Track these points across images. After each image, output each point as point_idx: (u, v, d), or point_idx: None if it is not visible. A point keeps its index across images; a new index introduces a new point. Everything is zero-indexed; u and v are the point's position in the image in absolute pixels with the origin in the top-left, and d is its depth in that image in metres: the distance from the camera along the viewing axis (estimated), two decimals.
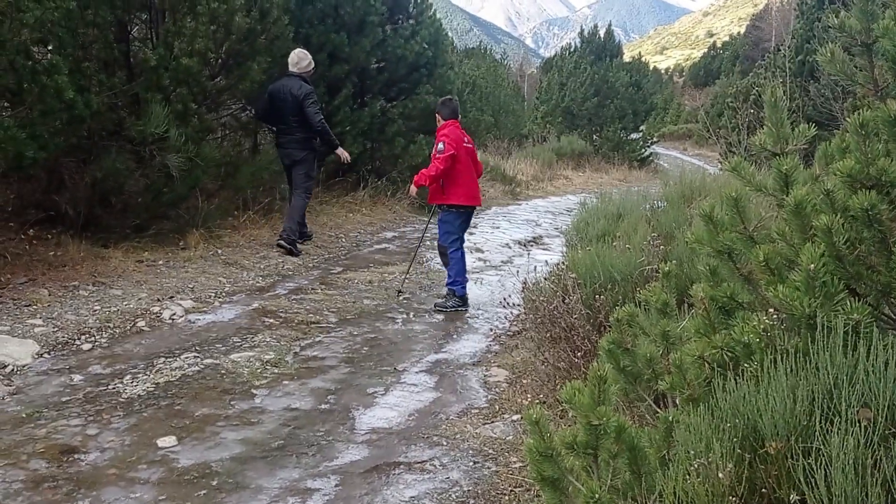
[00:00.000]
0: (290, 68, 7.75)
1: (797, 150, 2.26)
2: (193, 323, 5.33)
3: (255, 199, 8.16)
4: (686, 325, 2.59)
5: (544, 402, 4.15)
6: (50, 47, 6.19)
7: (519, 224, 11.23)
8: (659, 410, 2.81)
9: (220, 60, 7.68)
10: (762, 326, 1.94)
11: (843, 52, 2.21)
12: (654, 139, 26.68)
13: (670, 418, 2.11)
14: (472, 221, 6.73)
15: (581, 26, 29.00)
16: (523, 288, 4.74)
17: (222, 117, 8.60)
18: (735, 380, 2.04)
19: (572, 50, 27.22)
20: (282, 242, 7.48)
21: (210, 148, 7.47)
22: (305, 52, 7.90)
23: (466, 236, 6.91)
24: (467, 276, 6.47)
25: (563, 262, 4.46)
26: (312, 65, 7.86)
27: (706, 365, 2.29)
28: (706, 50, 71.44)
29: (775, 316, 1.94)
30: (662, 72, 73.28)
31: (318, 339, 5.17)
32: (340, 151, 8.02)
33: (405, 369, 4.70)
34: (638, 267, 3.89)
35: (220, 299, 5.94)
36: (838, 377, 1.84)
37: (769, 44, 45.34)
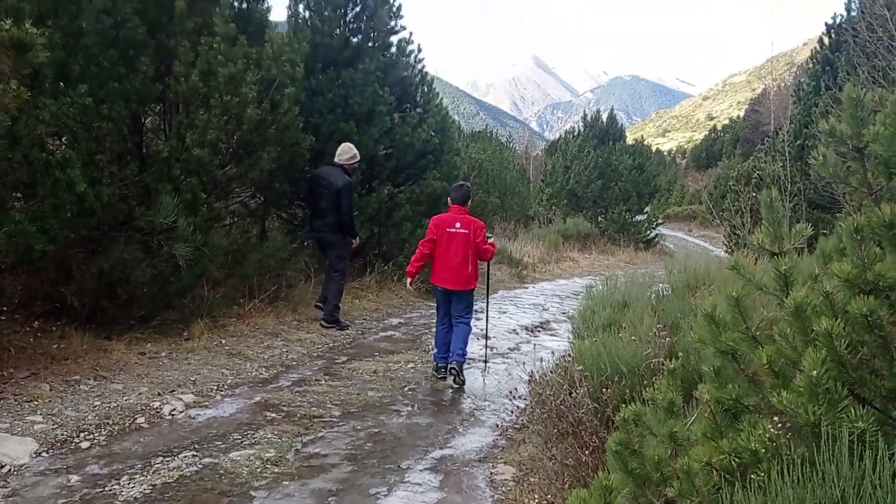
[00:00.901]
0: (337, 158, 8.36)
1: (795, 249, 2.26)
2: (194, 419, 5.25)
3: (261, 286, 8.16)
4: (693, 426, 2.53)
5: (552, 503, 4.03)
6: (64, 140, 6.35)
7: (526, 308, 11.19)
8: None
9: (230, 150, 7.84)
10: (768, 435, 1.89)
11: (835, 154, 2.23)
12: (660, 221, 26.85)
13: None
14: (479, 305, 7.05)
15: (584, 110, 29.68)
16: (530, 380, 4.66)
17: (231, 205, 8.71)
18: (743, 489, 1.97)
19: (576, 133, 27.75)
20: (323, 324, 8.27)
21: (218, 236, 7.54)
22: (351, 146, 8.49)
23: (473, 322, 7.15)
24: (466, 353, 6.81)
25: (569, 353, 4.40)
26: (355, 158, 8.46)
27: (714, 471, 2.23)
28: (707, 132, 72.85)
29: (780, 424, 1.89)
30: (665, 153, 74.53)
31: (320, 434, 5.07)
32: (356, 242, 8.53)
33: (409, 467, 4.58)
34: (644, 359, 3.84)
35: (221, 392, 5.87)
36: (846, 490, 1.78)
37: (768, 127, 46.13)
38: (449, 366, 6.63)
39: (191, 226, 6.87)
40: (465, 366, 6.78)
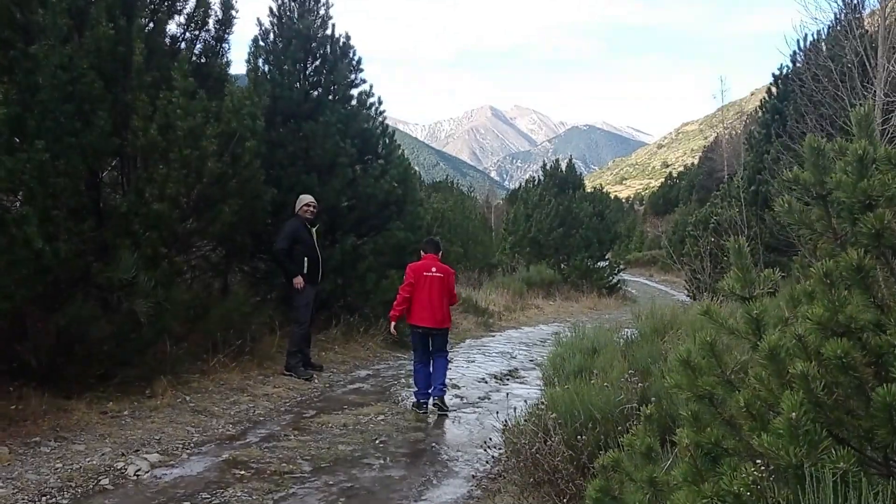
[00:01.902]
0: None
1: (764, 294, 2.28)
2: (159, 479, 5.05)
3: (225, 341, 7.99)
4: (672, 469, 2.51)
5: None
6: (20, 196, 6.20)
7: (494, 357, 11.14)
8: None
9: (190, 204, 7.75)
10: (751, 478, 1.87)
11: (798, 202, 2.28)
12: (622, 266, 27.20)
13: None
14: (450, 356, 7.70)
15: (543, 160, 30.17)
16: (504, 429, 4.61)
17: (192, 259, 8.57)
18: None
19: (536, 182, 28.15)
20: (284, 372, 8.30)
21: (179, 291, 7.40)
22: (303, 196, 8.71)
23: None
24: (446, 386, 7.59)
25: (541, 401, 4.37)
26: (311, 206, 8.61)
27: None
28: (663, 180, 74.51)
29: (763, 467, 1.89)
30: (623, 201, 75.91)
31: (291, 490, 4.92)
32: (297, 281, 8.39)
33: None
34: (617, 405, 3.83)
35: (188, 450, 5.68)
36: None
37: (722, 173, 47.43)
38: (433, 401, 7.30)
39: (151, 281, 6.74)
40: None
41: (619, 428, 3.77)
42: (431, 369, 7.42)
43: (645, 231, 53.41)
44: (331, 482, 5.13)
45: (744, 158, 18.12)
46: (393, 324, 7.55)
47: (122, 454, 5.42)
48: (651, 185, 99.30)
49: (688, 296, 18.89)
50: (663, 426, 3.82)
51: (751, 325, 2.16)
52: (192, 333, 7.82)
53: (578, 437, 3.93)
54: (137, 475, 5.08)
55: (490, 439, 5.44)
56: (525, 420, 4.36)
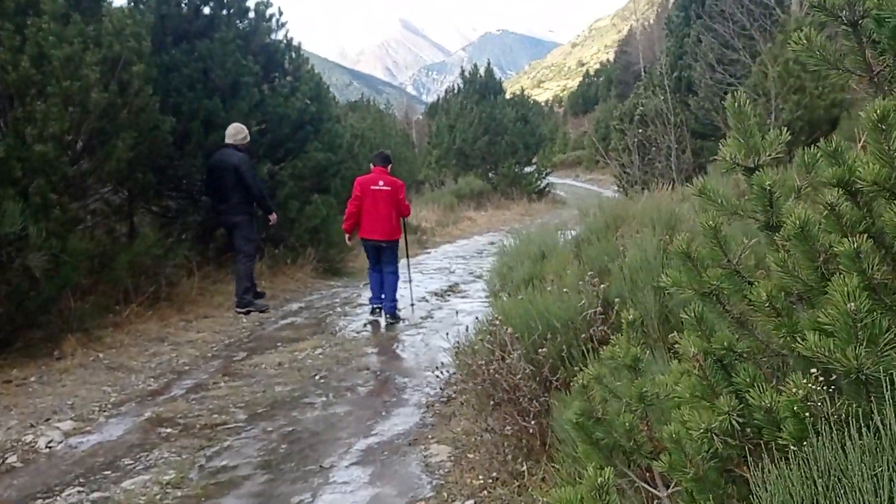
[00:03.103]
0: (227, 140, 8.17)
1: (771, 162, 1.83)
2: (75, 448, 4.50)
3: (137, 289, 7.30)
4: (667, 382, 2.11)
5: (497, 479, 3.60)
6: None
7: (432, 274, 10.73)
8: (649, 488, 2.32)
9: (79, 142, 6.92)
10: (803, 392, 1.45)
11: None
12: (549, 170, 26.97)
13: None
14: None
15: (461, 68, 29.27)
16: (456, 352, 4.19)
17: (90, 204, 7.74)
18: (766, 455, 1.55)
19: (456, 92, 27.34)
20: (238, 311, 7.99)
21: (78, 240, 6.64)
22: (241, 125, 8.34)
23: None
24: (397, 301, 7.81)
25: (494, 315, 3.95)
26: (248, 137, 8.38)
27: (713, 437, 1.81)
28: (581, 79, 74.30)
29: (820, 378, 1.46)
30: (543, 104, 75.55)
31: (226, 443, 4.45)
32: (273, 217, 8.46)
33: (333, 465, 4.05)
34: (580, 311, 3.43)
35: (105, 413, 5.10)
36: None
37: (639, 66, 47.40)
38: (385, 318, 7.59)
39: (43, 232, 5.99)
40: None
41: (583, 336, 3.38)
42: (383, 279, 7.69)
43: (567, 132, 53.39)
44: (269, 428, 4.68)
45: (665, 44, 17.77)
46: (347, 236, 7.78)
47: (31, 425, 4.83)
48: (569, 85, 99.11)
49: (617, 191, 18.82)
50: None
51: (762, 199, 1.71)
52: (98, 284, 7.09)
53: (538, 350, 3.53)
54: (50, 447, 4.52)
55: (441, 364, 5.05)
56: (478, 338, 3.94)
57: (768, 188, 1.69)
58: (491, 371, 3.58)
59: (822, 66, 1.67)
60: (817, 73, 10.30)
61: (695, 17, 15.81)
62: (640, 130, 15.14)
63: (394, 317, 7.60)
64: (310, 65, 11.14)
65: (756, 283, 1.66)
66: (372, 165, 7.77)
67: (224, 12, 9.67)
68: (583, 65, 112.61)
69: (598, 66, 74.86)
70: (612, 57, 70.53)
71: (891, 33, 1.61)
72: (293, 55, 10.61)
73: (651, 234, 3.78)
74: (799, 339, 1.48)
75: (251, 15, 10.01)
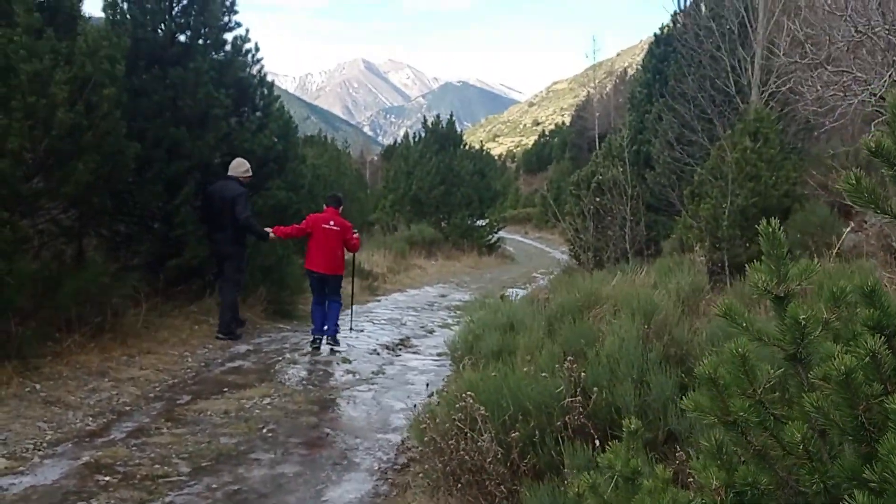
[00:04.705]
0: (230, 172, 8.59)
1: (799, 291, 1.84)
2: (6, 490, 4.21)
3: (81, 318, 6.97)
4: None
5: None
6: None
7: (383, 324, 10.59)
8: None
9: (37, 160, 6.66)
10: None
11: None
12: (501, 225, 27.22)
13: None
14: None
15: (422, 115, 29.56)
16: (417, 423, 4.09)
17: (38, 223, 7.42)
18: None
19: (417, 139, 27.51)
20: (219, 336, 8.37)
21: (25, 261, 6.35)
22: (244, 160, 8.73)
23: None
24: (339, 327, 8.70)
25: (462, 389, 3.87)
26: (249, 171, 8.74)
27: None
28: (536, 137, 75.75)
29: None
30: (497, 157, 76.65)
31: (167, 498, 4.22)
32: (272, 235, 8.64)
33: None
34: (557, 397, 3.38)
35: (40, 452, 4.81)
36: None
37: (593, 132, 48.61)
38: (326, 340, 8.34)
39: None
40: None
41: (558, 423, 3.33)
42: (326, 310, 8.39)
43: (519, 188, 54.15)
44: (214, 485, 4.47)
45: (627, 118, 18.25)
46: (273, 233, 8.47)
47: None
48: (523, 142, 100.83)
49: (570, 255, 19.04)
50: (606, 419, 3.43)
51: (793, 332, 1.71)
52: (41, 309, 6.75)
53: (510, 432, 3.47)
54: None
55: (394, 428, 4.93)
56: (444, 411, 3.85)
57: (802, 322, 1.69)
58: (459, 450, 3.49)
59: (868, 208, 1.68)
60: (772, 163, 10.71)
61: (657, 95, 16.32)
62: (597, 199, 15.42)
63: (335, 341, 8.40)
64: (278, 103, 11.04)
65: (789, 423, 1.64)
66: (325, 205, 8.64)
67: (200, 42, 9.55)
68: (538, 124, 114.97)
69: (553, 126, 76.49)
70: (567, 119, 72.24)
71: None
72: (265, 91, 10.49)
73: (630, 321, 3.78)
74: (835, 489, 1.46)
75: (227, 48, 9.90)
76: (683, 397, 3.13)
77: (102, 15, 8.66)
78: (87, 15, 7.93)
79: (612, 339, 3.57)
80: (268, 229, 8.59)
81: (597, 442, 3.07)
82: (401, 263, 18.00)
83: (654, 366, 3.34)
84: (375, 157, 65.60)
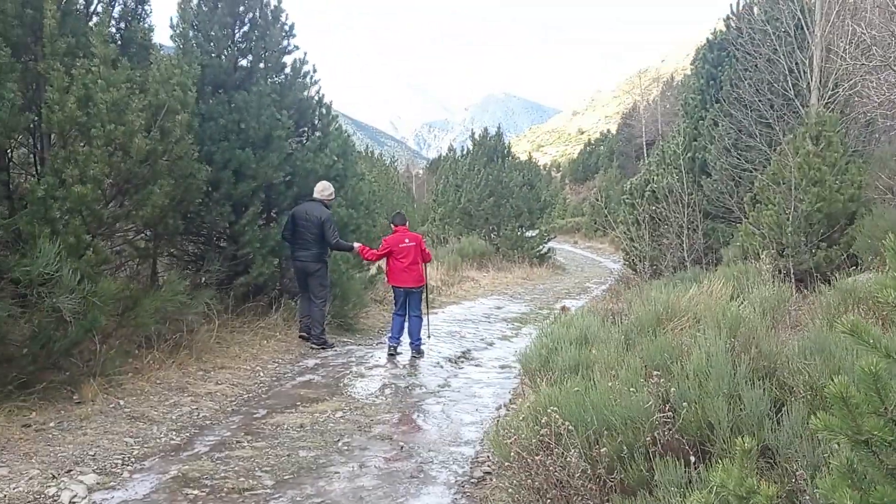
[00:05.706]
0: (315, 194, 9.23)
1: None
2: None
3: (159, 335, 7.24)
4: None
5: None
6: None
7: (443, 338, 10.69)
8: None
9: (116, 185, 6.95)
10: None
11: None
12: (552, 235, 27.16)
13: None
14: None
15: (468, 128, 29.68)
16: (495, 436, 4.16)
17: (116, 245, 7.73)
18: None
19: (466, 152, 27.66)
20: (313, 345, 9.09)
21: (108, 282, 6.62)
22: (329, 183, 9.42)
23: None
24: (422, 339, 9.24)
25: (542, 405, 3.92)
26: (334, 194, 9.50)
27: None
28: (581, 146, 75.22)
29: None
30: (542, 167, 76.40)
31: None
32: (357, 246, 9.49)
33: None
34: (646, 412, 3.41)
35: (129, 467, 5.00)
36: None
37: (640, 140, 48.17)
38: (410, 353, 8.99)
39: (76, 273, 5.97)
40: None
41: (647, 438, 3.36)
42: (407, 323, 9.05)
43: (566, 198, 53.90)
44: (298, 498, 4.60)
45: (681, 125, 18.09)
46: (358, 249, 9.40)
47: (53, 476, 4.72)
48: (567, 151, 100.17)
49: (625, 264, 18.92)
50: (695, 435, 3.44)
51: None
52: (121, 328, 7.03)
53: (596, 448, 3.51)
54: (73, 503, 4.41)
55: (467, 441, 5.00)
56: (527, 426, 3.91)
57: None
58: (546, 465, 3.54)
59: None
60: (836, 167, 10.52)
61: (712, 101, 16.15)
62: (653, 207, 15.33)
63: (418, 352, 8.99)
64: (337, 122, 11.29)
65: None
66: (393, 226, 9.22)
67: (262, 65, 9.84)
68: (583, 132, 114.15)
69: (598, 135, 75.91)
70: (612, 127, 71.65)
71: None
72: (324, 111, 10.75)
73: (715, 334, 3.79)
74: None
75: (287, 70, 10.18)
76: (780, 412, 3.14)
77: (171, 44, 8.97)
78: (157, 44, 8.27)
79: (699, 352, 3.58)
80: (355, 244, 9.45)
81: (691, 458, 3.09)
82: (454, 276, 18.09)
83: (744, 380, 3.34)
84: (421, 171, 66.12)
